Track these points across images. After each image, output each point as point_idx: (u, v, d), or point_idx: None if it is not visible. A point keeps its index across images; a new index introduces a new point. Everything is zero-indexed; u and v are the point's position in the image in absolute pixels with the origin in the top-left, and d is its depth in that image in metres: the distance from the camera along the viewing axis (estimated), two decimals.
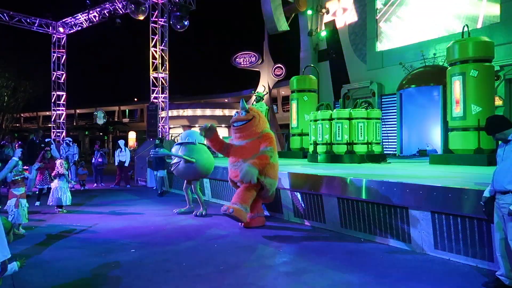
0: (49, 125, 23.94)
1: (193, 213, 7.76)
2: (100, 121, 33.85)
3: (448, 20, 13.45)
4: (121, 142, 13.32)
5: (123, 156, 13.02)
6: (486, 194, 3.83)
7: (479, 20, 12.53)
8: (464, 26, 8.93)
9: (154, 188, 11.08)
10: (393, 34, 15.33)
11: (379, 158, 9.52)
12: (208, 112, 37.77)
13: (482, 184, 4.36)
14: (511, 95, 11.71)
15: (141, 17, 17.18)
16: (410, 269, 4.41)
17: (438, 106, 12.27)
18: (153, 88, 17.94)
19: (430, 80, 12.57)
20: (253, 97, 9.69)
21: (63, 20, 21.17)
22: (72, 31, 21.67)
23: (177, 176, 8.68)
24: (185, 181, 8.02)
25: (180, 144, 7.82)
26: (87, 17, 20.24)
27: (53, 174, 8.24)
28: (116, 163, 13.13)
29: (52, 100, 21.87)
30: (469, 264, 4.41)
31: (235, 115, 6.70)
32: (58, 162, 8.34)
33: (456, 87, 8.36)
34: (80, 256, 4.95)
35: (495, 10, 12.10)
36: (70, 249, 5.36)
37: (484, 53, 8.27)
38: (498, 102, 10.83)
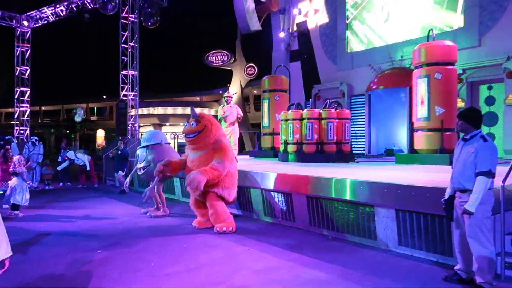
0: (12, 122, 23.03)
1: (145, 211, 7.67)
2: (79, 118, 32.29)
3: (414, 24, 13.88)
4: (70, 154, 12.80)
5: (80, 161, 12.73)
6: (448, 192, 3.97)
7: (441, 24, 13.01)
8: (429, 30, 9.25)
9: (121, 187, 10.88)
10: (362, 36, 15.68)
11: (348, 157, 9.72)
12: (179, 110, 37.32)
13: (442, 182, 4.54)
14: (472, 97, 12.22)
15: (111, 12, 16.82)
16: (375, 265, 4.54)
17: (405, 107, 12.65)
18: (122, 85, 17.60)
19: (397, 82, 12.91)
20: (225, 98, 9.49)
21: (28, 13, 20.42)
22: (37, 25, 20.92)
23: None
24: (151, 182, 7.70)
25: (146, 146, 7.63)
26: (53, 11, 19.59)
27: (10, 170, 7.78)
28: (79, 163, 12.83)
29: (16, 97, 21.04)
30: (431, 259, 4.60)
31: (186, 125, 6.53)
32: (16, 158, 7.87)
33: (421, 89, 8.65)
34: (44, 258, 4.82)
35: (456, 17, 12.59)
36: (33, 250, 5.20)
37: (448, 56, 8.60)
38: (460, 104, 11.27)
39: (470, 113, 3.92)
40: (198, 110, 6.76)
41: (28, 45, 21.04)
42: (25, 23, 20.55)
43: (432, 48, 8.60)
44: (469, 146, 3.75)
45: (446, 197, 3.98)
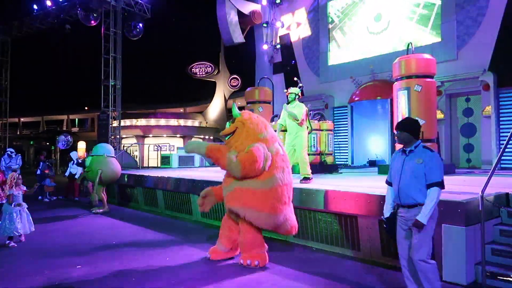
0: None
1: (94, 211, 9.39)
2: (65, 146, 30.40)
3: (394, 38, 14.20)
4: (73, 154, 12.63)
5: (74, 168, 12.41)
6: (389, 209, 3.73)
7: (420, 38, 13.34)
8: (408, 43, 9.47)
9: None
10: (344, 49, 15.94)
11: (331, 168, 9.78)
12: (162, 122, 36.94)
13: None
14: (451, 109, 12.51)
15: (93, 24, 16.72)
16: (359, 276, 4.54)
17: (386, 118, 12.86)
18: (104, 96, 17.40)
19: (378, 94, 13.17)
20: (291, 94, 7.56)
21: (8, 24, 20.11)
22: (17, 35, 20.61)
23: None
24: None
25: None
26: (34, 21, 19.36)
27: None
28: (67, 174, 12.54)
29: None
30: None
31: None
32: (10, 175, 6.44)
33: (402, 101, 8.81)
34: (21, 275, 4.65)
35: (433, 32, 12.95)
36: (9, 267, 5.02)
37: (427, 69, 8.80)
38: (439, 115, 11.53)
39: (413, 124, 3.74)
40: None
41: (7, 56, 20.69)
42: (4, 34, 20.23)
43: (412, 61, 8.79)
44: (415, 158, 3.57)
45: (387, 215, 3.72)
